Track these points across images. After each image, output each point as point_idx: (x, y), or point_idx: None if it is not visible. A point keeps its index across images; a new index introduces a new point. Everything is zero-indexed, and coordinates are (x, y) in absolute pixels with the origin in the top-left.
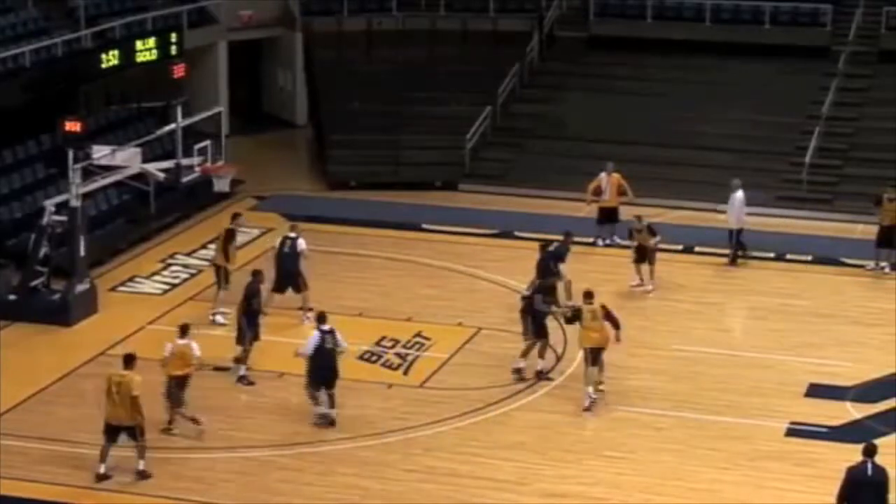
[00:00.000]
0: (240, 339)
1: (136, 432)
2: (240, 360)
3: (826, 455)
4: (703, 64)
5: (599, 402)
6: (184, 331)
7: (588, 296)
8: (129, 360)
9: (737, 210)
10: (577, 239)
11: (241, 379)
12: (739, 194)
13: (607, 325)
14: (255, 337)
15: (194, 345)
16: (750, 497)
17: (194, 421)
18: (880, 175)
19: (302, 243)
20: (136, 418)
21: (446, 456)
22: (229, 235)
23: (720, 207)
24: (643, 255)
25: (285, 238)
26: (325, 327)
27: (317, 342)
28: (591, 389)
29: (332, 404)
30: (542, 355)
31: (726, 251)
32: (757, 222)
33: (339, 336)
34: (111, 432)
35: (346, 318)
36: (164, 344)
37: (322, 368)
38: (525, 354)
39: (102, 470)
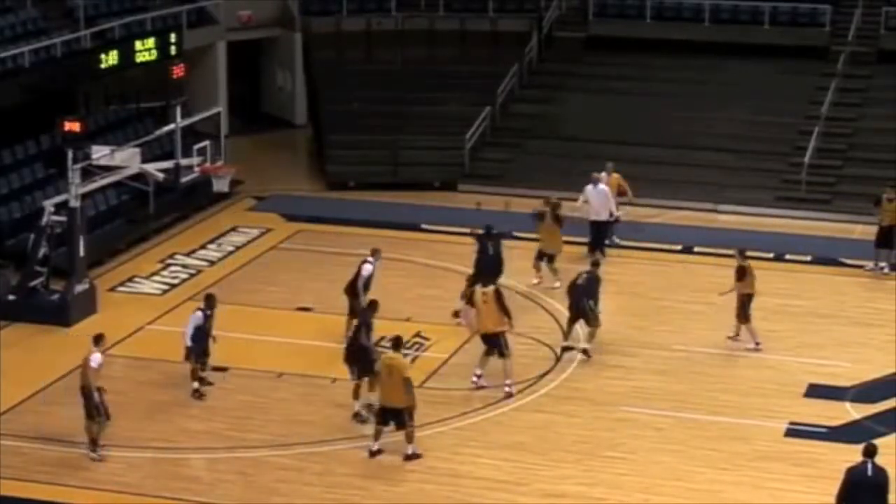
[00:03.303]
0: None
1: (404, 416)
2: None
3: (825, 455)
4: (702, 64)
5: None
6: (97, 341)
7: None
8: (397, 343)
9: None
10: (574, 240)
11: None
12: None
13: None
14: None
15: (96, 356)
16: (749, 497)
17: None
18: (879, 175)
19: (366, 268)
20: (409, 400)
21: (446, 456)
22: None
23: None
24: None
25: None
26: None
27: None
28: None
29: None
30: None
31: (724, 251)
32: (757, 222)
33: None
34: (384, 415)
35: (345, 318)
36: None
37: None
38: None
39: (376, 447)
